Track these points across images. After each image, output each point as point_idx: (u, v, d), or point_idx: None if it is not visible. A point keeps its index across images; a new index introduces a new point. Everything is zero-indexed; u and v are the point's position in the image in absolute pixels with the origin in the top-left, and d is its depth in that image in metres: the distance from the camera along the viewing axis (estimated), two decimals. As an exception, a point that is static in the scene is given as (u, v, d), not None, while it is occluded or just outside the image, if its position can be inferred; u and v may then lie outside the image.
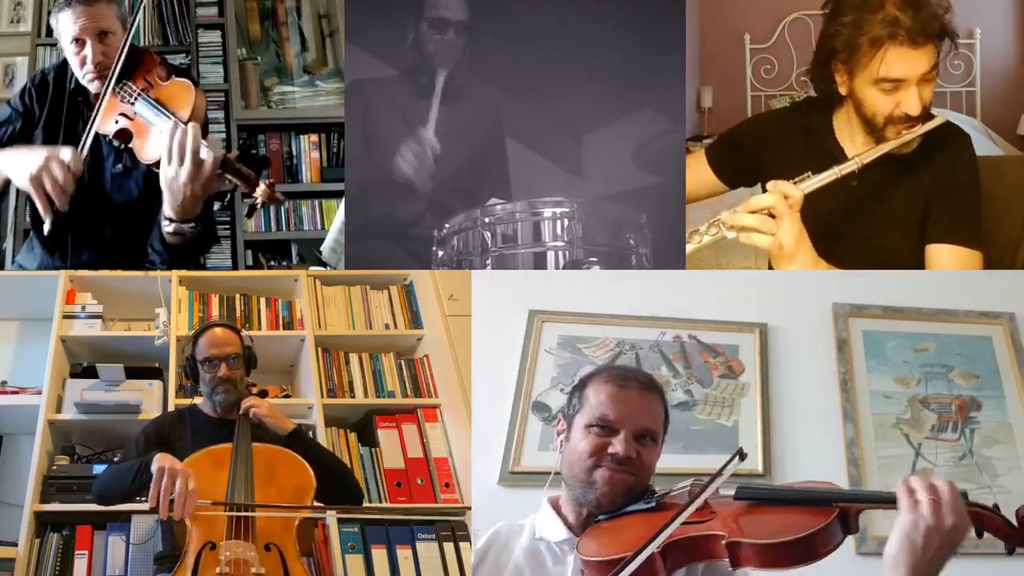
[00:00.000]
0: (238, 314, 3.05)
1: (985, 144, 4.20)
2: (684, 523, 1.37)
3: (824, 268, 2.02)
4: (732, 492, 1.44)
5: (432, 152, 2.44)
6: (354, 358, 3.01)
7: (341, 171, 4.11)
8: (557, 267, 2.04)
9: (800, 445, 2.53)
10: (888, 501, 1.31)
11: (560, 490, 1.59)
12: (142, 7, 4.04)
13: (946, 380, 2.67)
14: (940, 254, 2.12)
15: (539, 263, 2.05)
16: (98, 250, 2.45)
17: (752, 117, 3.95)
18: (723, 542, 1.33)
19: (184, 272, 3.01)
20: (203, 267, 3.06)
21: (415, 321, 3.12)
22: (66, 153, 2.17)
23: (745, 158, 2.33)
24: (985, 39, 5.00)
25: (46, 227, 2.19)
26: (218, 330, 2.34)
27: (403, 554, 2.59)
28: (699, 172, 2.40)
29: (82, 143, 2.25)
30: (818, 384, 2.63)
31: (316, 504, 2.14)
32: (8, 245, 3.82)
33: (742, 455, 1.41)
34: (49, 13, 3.35)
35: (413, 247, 2.50)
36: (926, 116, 2.04)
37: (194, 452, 2.12)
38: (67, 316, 2.93)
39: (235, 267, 4.14)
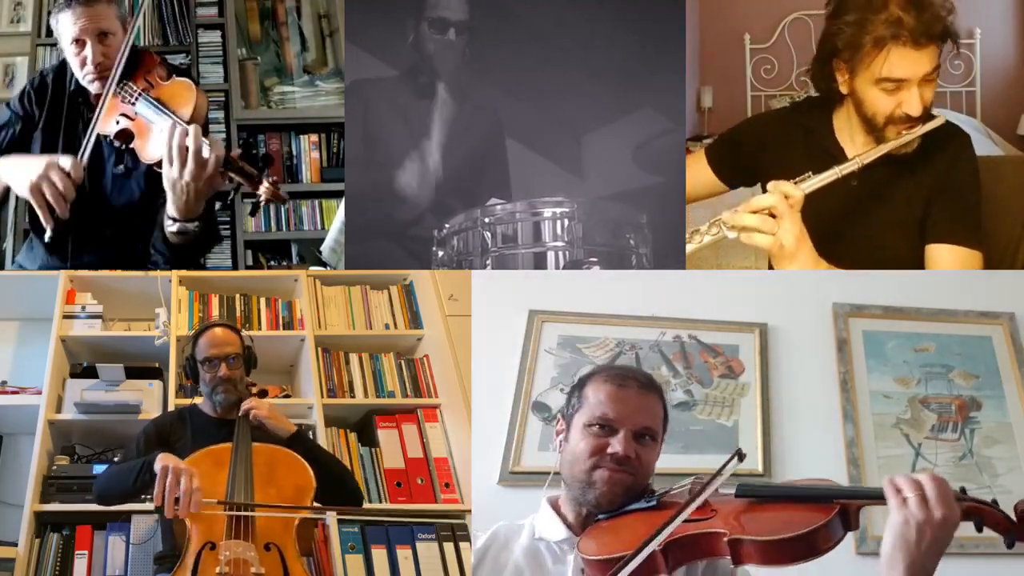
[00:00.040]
0: (238, 314, 3.06)
1: (985, 144, 4.20)
2: (685, 521, 1.37)
3: (824, 268, 2.02)
4: (732, 491, 1.45)
5: (435, 173, 2.45)
6: (354, 358, 3.01)
7: (341, 171, 4.11)
8: (557, 267, 2.04)
9: (800, 445, 2.54)
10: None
11: (559, 490, 1.59)
12: (143, 9, 4.04)
13: (946, 380, 2.67)
14: (940, 254, 2.12)
15: (539, 263, 2.05)
16: (98, 251, 2.45)
17: (752, 117, 3.95)
18: (725, 539, 1.34)
19: (184, 272, 3.01)
20: (203, 267, 3.06)
21: (415, 321, 3.12)
22: (66, 161, 2.18)
23: (745, 158, 2.33)
24: (985, 39, 5.00)
25: (47, 235, 2.20)
26: (218, 330, 2.34)
27: (403, 554, 2.60)
28: (699, 172, 2.40)
29: (84, 145, 2.25)
30: (818, 384, 2.63)
31: (316, 504, 2.14)
32: (8, 245, 3.82)
33: (741, 456, 1.41)
34: (49, 13, 3.35)
35: (413, 247, 2.50)
36: (926, 116, 2.04)
37: (194, 452, 2.12)
38: (67, 316, 2.93)
39: (235, 267, 4.14)
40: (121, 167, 2.38)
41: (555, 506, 1.59)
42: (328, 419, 2.81)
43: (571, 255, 2.03)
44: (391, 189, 2.49)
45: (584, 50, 2.81)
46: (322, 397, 2.85)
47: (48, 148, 2.38)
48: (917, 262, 2.16)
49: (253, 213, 2.20)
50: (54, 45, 3.90)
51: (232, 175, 2.08)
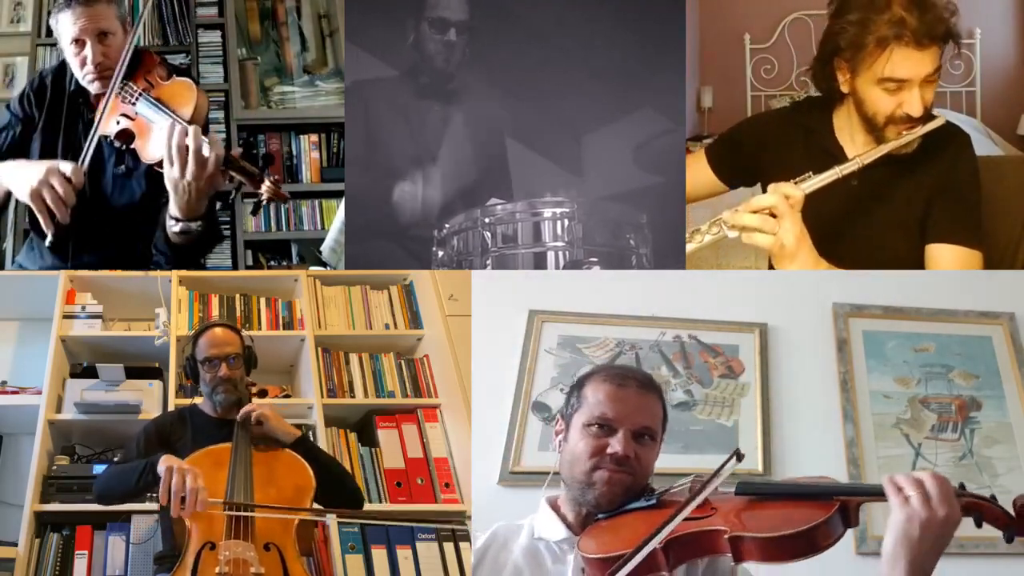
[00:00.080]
0: (238, 314, 3.06)
1: (985, 144, 4.20)
2: (685, 519, 1.37)
3: (825, 268, 2.02)
4: (732, 490, 1.45)
5: (429, 203, 2.44)
6: (354, 358, 3.01)
7: (341, 171, 4.11)
8: (557, 267, 2.04)
9: (800, 445, 2.54)
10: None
11: (558, 490, 1.59)
12: (145, 10, 4.04)
13: (946, 380, 2.67)
14: (940, 254, 2.12)
15: (539, 263, 2.05)
16: (99, 251, 2.46)
17: (752, 117, 3.94)
18: (725, 536, 1.34)
19: (184, 272, 3.01)
20: (203, 267, 3.06)
21: (415, 321, 3.12)
22: (67, 167, 2.19)
23: (745, 158, 2.33)
24: (985, 39, 5.00)
25: (48, 240, 2.21)
26: (218, 330, 2.34)
27: (403, 554, 2.60)
28: (699, 172, 2.40)
29: (86, 148, 2.25)
30: (818, 384, 2.63)
31: (316, 505, 2.14)
32: (8, 245, 3.82)
33: (739, 456, 1.41)
34: (49, 13, 3.35)
35: (413, 247, 2.50)
36: (927, 117, 2.04)
37: (194, 452, 2.12)
38: (67, 316, 2.94)
39: (235, 267, 4.13)
40: (122, 167, 2.38)
41: (554, 506, 1.59)
42: (328, 419, 2.81)
43: (571, 255, 2.03)
44: (391, 192, 2.48)
45: (584, 50, 2.81)
46: (322, 397, 2.85)
47: (48, 149, 2.38)
48: (917, 262, 2.16)
49: (255, 212, 2.20)
50: (54, 45, 3.90)
51: (233, 174, 2.08)
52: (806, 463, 2.50)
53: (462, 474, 2.74)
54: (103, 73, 2.31)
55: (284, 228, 4.33)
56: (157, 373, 2.88)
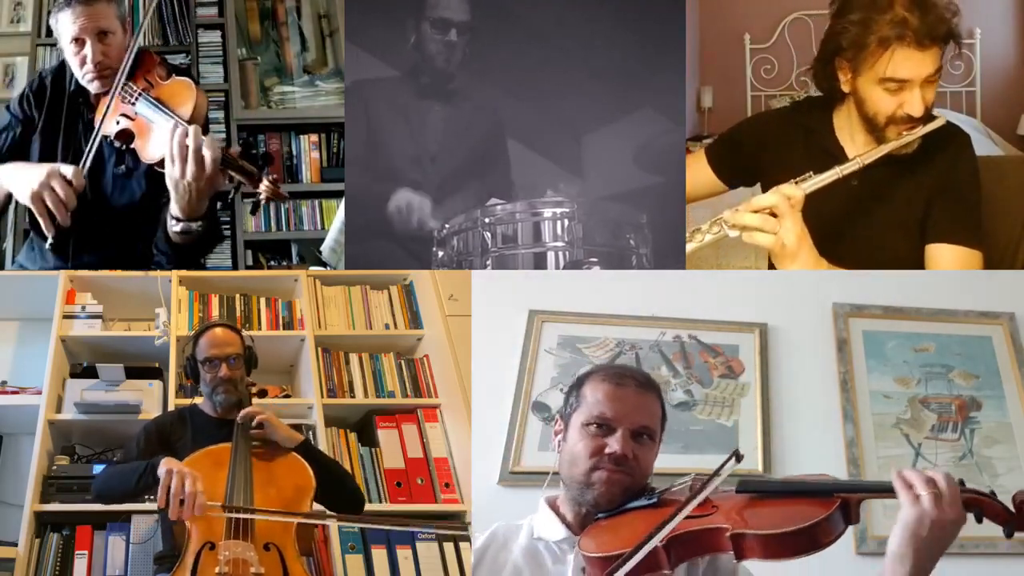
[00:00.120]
0: (238, 314, 3.06)
1: (985, 144, 4.20)
2: (687, 518, 1.38)
3: (825, 268, 2.02)
4: (733, 488, 1.45)
5: (435, 174, 2.44)
6: (354, 358, 3.01)
7: (341, 171, 4.11)
8: (557, 267, 2.04)
9: (800, 445, 2.53)
10: (888, 491, 1.33)
11: (558, 490, 1.59)
12: (149, 12, 4.05)
13: (946, 380, 2.67)
14: (940, 254, 2.13)
15: (539, 263, 2.05)
16: (99, 251, 2.46)
17: (752, 117, 3.94)
18: (727, 534, 1.35)
19: (184, 272, 3.01)
20: (203, 267, 3.06)
21: (415, 321, 3.12)
22: (68, 169, 2.20)
23: (745, 158, 2.33)
24: (985, 39, 5.00)
25: (48, 242, 2.22)
26: (219, 330, 2.33)
27: (403, 554, 2.60)
28: (699, 172, 2.40)
29: (88, 149, 2.25)
30: (818, 384, 2.63)
31: (315, 505, 2.14)
32: (8, 245, 3.82)
33: (738, 457, 1.41)
34: (49, 13, 3.35)
35: (413, 247, 2.50)
36: (927, 117, 2.04)
37: (194, 452, 2.12)
38: (67, 316, 2.93)
39: (235, 267, 4.13)
40: (122, 167, 2.38)
41: (553, 506, 1.59)
42: (328, 419, 2.81)
43: (571, 255, 2.03)
44: (390, 194, 2.48)
45: (584, 50, 2.81)
46: (322, 397, 2.85)
47: (48, 150, 2.39)
48: (918, 262, 2.16)
49: (254, 211, 2.20)
50: (54, 45, 3.89)
51: (233, 173, 2.08)
52: (806, 463, 2.49)
53: (462, 474, 2.74)
54: (103, 72, 2.31)
55: (284, 228, 4.33)
56: (157, 373, 2.88)
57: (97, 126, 2.26)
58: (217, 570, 1.86)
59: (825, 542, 1.33)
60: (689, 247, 2.03)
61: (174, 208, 2.12)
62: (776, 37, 5.21)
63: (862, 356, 2.68)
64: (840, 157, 2.09)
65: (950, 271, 2.16)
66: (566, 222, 2.04)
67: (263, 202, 2.13)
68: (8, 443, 2.91)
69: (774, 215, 1.94)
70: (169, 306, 2.96)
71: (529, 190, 2.62)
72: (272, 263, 4.33)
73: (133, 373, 2.84)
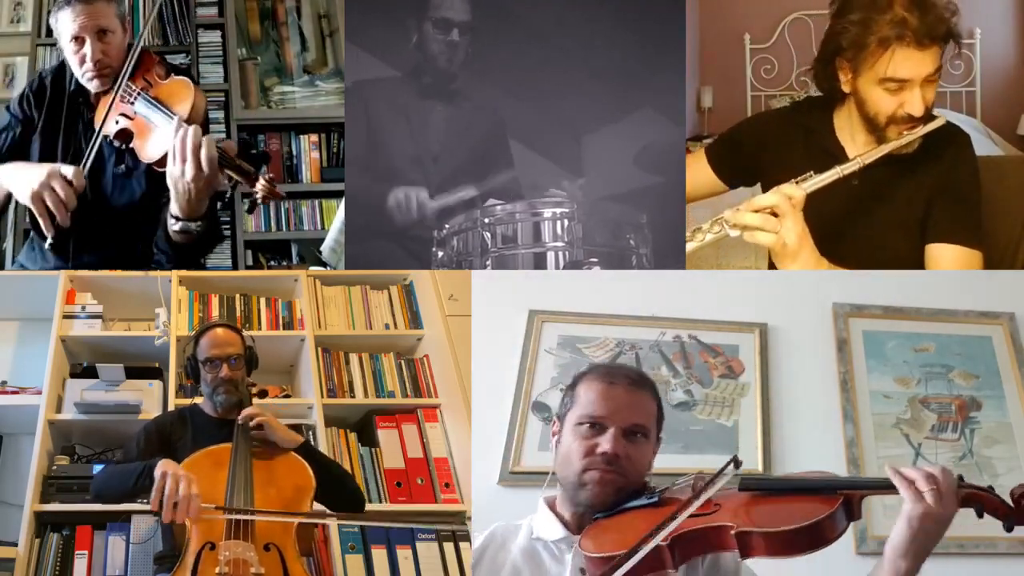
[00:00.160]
0: (238, 314, 3.05)
1: (985, 144, 4.20)
2: (690, 516, 1.38)
3: (826, 267, 2.02)
4: (734, 487, 1.45)
5: (419, 205, 2.44)
6: (354, 358, 3.01)
7: (341, 171, 4.11)
8: (557, 267, 2.04)
9: (800, 445, 2.54)
10: (890, 487, 1.34)
11: (556, 489, 1.59)
12: (153, 14, 4.05)
13: (946, 380, 2.67)
14: (940, 254, 2.13)
15: (539, 264, 2.05)
16: (99, 251, 2.46)
17: (752, 116, 3.94)
18: (732, 532, 1.35)
19: (184, 272, 3.01)
20: (203, 267, 3.06)
21: (415, 321, 3.12)
22: (68, 169, 2.20)
23: (745, 158, 2.34)
24: (985, 39, 5.00)
25: (47, 242, 2.21)
26: (220, 330, 2.33)
27: (403, 554, 2.59)
28: (699, 171, 2.40)
29: (89, 149, 2.25)
30: (818, 384, 2.63)
31: (316, 505, 2.14)
32: (8, 245, 3.82)
33: (737, 463, 1.42)
34: (49, 13, 3.35)
35: (413, 247, 2.50)
36: (928, 117, 2.04)
37: (194, 452, 2.12)
38: (67, 316, 2.93)
39: (235, 267, 4.14)
40: (122, 167, 2.39)
41: (552, 506, 1.59)
42: (328, 419, 2.81)
43: (571, 255, 2.03)
44: (390, 194, 2.48)
45: (584, 50, 2.81)
46: (322, 397, 2.85)
47: (47, 150, 2.39)
48: (918, 262, 2.16)
49: (251, 210, 2.20)
50: (54, 45, 3.90)
51: (230, 173, 2.08)
52: (806, 463, 2.49)
53: (462, 474, 2.74)
54: (102, 71, 2.31)
55: (284, 228, 4.33)
56: (157, 373, 2.88)
57: (98, 126, 2.27)
58: (217, 570, 1.85)
59: (830, 539, 1.34)
60: (690, 246, 2.03)
61: (174, 207, 2.12)
62: (776, 37, 5.21)
63: (862, 356, 2.68)
64: (840, 157, 2.09)
65: (950, 271, 2.16)
66: (566, 222, 2.04)
67: (260, 201, 2.13)
68: (8, 443, 2.91)
69: (775, 215, 1.94)
70: (169, 306, 2.96)
71: (530, 190, 2.62)
72: (272, 263, 4.33)
73: (133, 373, 2.84)
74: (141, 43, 2.29)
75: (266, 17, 4.42)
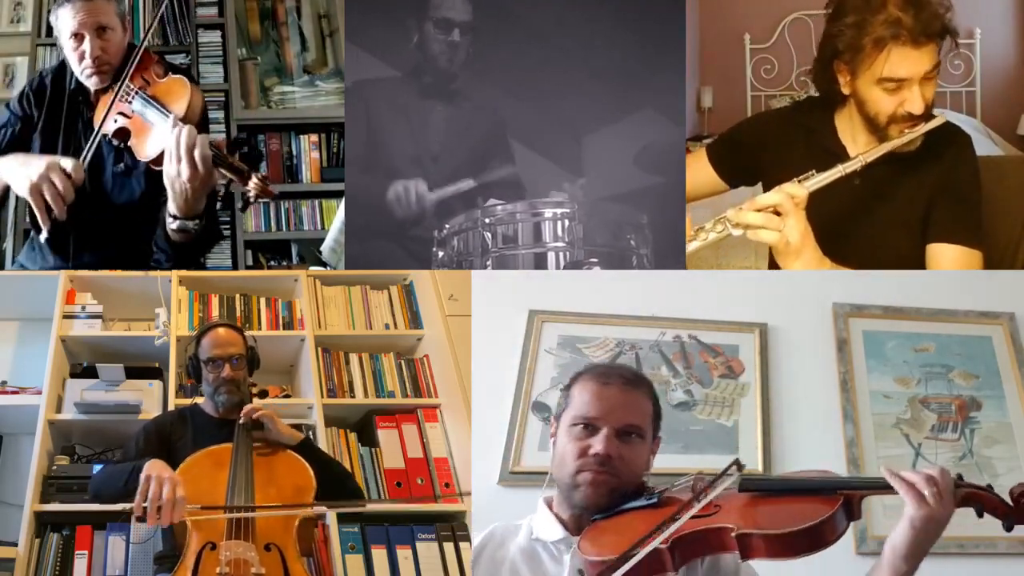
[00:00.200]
0: (238, 314, 3.05)
1: (985, 144, 4.20)
2: (691, 518, 1.38)
3: (829, 266, 2.02)
4: (734, 487, 1.45)
5: (418, 197, 2.44)
6: (354, 358, 3.01)
7: (341, 171, 4.11)
8: (558, 268, 2.04)
9: (800, 445, 2.53)
10: (890, 487, 1.34)
11: (555, 490, 1.58)
12: (157, 17, 4.06)
13: (946, 380, 2.67)
14: (941, 253, 2.13)
15: (540, 264, 2.05)
16: (99, 250, 2.46)
17: (753, 116, 3.95)
18: (733, 534, 1.34)
19: (184, 272, 3.01)
20: (203, 267, 3.06)
21: (415, 321, 3.12)
22: (67, 162, 2.19)
23: (746, 157, 2.34)
24: (985, 39, 5.00)
25: (43, 235, 2.20)
26: (222, 330, 2.33)
27: (403, 554, 2.60)
28: (700, 171, 2.40)
29: (87, 148, 2.25)
30: (818, 384, 2.63)
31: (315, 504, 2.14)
32: (8, 245, 3.82)
33: (740, 466, 1.41)
34: (49, 12, 3.35)
35: (413, 247, 2.50)
36: (928, 114, 2.05)
37: (195, 452, 2.12)
38: (67, 316, 2.93)
39: (235, 267, 4.14)
40: (121, 165, 2.39)
41: (551, 506, 1.58)
42: (328, 419, 2.81)
43: (572, 256, 2.03)
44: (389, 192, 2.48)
45: (584, 50, 2.81)
46: (322, 397, 2.85)
47: (47, 148, 2.39)
48: (919, 261, 2.16)
49: (244, 209, 2.19)
50: (54, 45, 3.90)
51: (223, 171, 2.08)
52: (806, 463, 2.48)
53: (462, 474, 2.74)
54: (101, 67, 2.32)
55: (284, 228, 4.33)
56: (157, 373, 2.88)
57: (97, 125, 2.27)
58: (218, 570, 1.86)
59: (830, 540, 1.33)
60: (693, 246, 2.03)
61: (171, 206, 2.12)
62: (776, 37, 5.21)
63: (862, 356, 2.68)
64: (842, 157, 2.09)
65: (950, 271, 2.16)
66: (566, 222, 2.03)
67: (252, 200, 2.12)
68: (8, 443, 2.91)
69: (778, 213, 1.94)
70: (169, 306, 2.96)
71: (530, 191, 2.62)
72: (272, 263, 4.33)
73: (133, 373, 2.84)
74: (144, 44, 2.29)
75: (266, 17, 4.42)
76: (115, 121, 2.26)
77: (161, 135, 2.12)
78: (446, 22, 2.51)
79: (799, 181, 1.97)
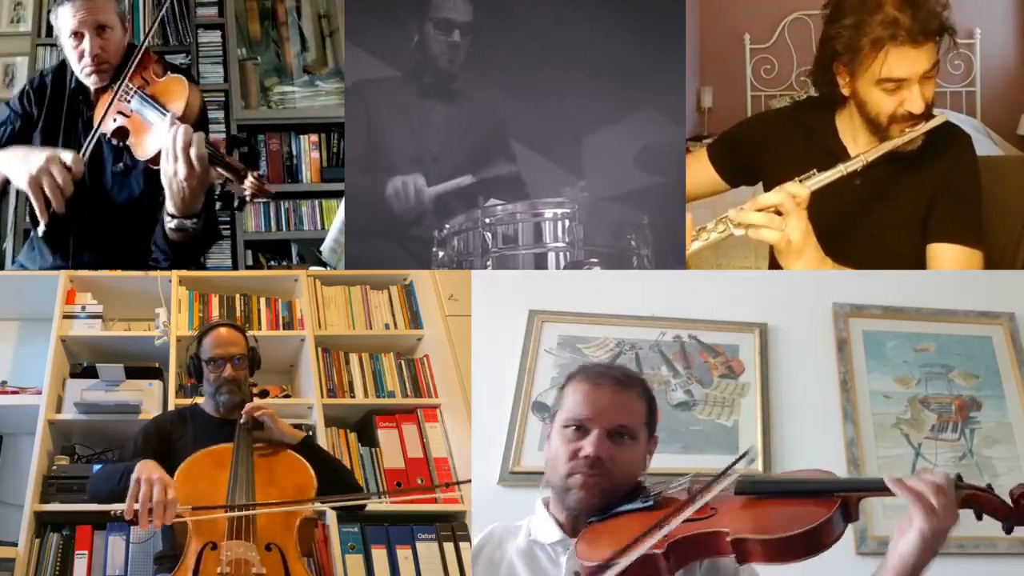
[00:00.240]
0: (238, 314, 3.05)
1: (985, 144, 4.20)
2: (686, 521, 1.36)
3: (830, 266, 2.02)
4: (729, 491, 1.43)
5: (417, 192, 2.43)
6: (354, 358, 3.01)
7: (341, 171, 4.11)
8: (558, 268, 2.04)
9: (800, 445, 2.53)
10: (887, 489, 1.33)
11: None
12: (158, 18, 4.06)
13: (946, 380, 2.67)
14: (941, 253, 2.13)
15: (540, 264, 2.04)
16: (99, 250, 2.46)
17: (754, 116, 3.95)
18: (728, 539, 1.33)
19: (184, 272, 3.01)
20: (203, 267, 3.06)
21: (415, 321, 3.12)
22: (67, 155, 2.18)
23: (747, 157, 2.34)
24: (985, 39, 5.00)
25: (40, 228, 2.19)
26: (223, 330, 2.33)
27: (403, 554, 2.60)
28: (701, 170, 2.40)
29: (86, 144, 2.25)
30: (818, 384, 2.63)
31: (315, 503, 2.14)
32: (8, 245, 3.82)
33: (751, 457, 1.39)
34: (49, 12, 3.35)
35: (413, 247, 2.50)
36: (929, 113, 2.05)
37: (195, 452, 2.12)
38: (67, 316, 2.93)
39: (235, 267, 4.14)
40: (120, 165, 2.39)
41: (548, 507, 1.58)
42: (328, 419, 2.81)
43: (572, 256, 2.03)
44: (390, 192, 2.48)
45: (584, 50, 2.81)
46: (322, 397, 2.85)
47: (48, 147, 2.38)
48: (920, 261, 2.17)
49: (240, 208, 2.18)
50: (54, 45, 3.90)
51: (219, 170, 2.08)
52: (806, 463, 2.45)
53: (462, 474, 2.73)
54: (100, 66, 2.32)
55: (284, 228, 4.33)
56: (157, 373, 2.88)
57: (96, 124, 2.26)
58: (219, 570, 1.86)
59: (827, 543, 1.31)
60: (695, 246, 2.03)
61: (169, 205, 2.12)
62: (776, 37, 5.21)
63: (862, 356, 2.68)
64: (843, 157, 2.09)
65: (950, 271, 2.16)
66: (567, 223, 2.03)
67: (248, 199, 2.12)
68: (8, 443, 2.91)
69: (779, 213, 1.94)
70: (169, 306, 2.96)
71: (530, 190, 2.62)
72: (272, 263, 4.33)
73: (133, 373, 2.84)
74: (146, 44, 2.29)
75: (266, 17, 4.42)
76: (114, 120, 2.26)
77: (159, 134, 2.13)
78: (447, 23, 2.51)
79: (800, 181, 1.97)
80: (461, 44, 2.52)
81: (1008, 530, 1.32)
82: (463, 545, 2.60)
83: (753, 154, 2.32)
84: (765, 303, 2.72)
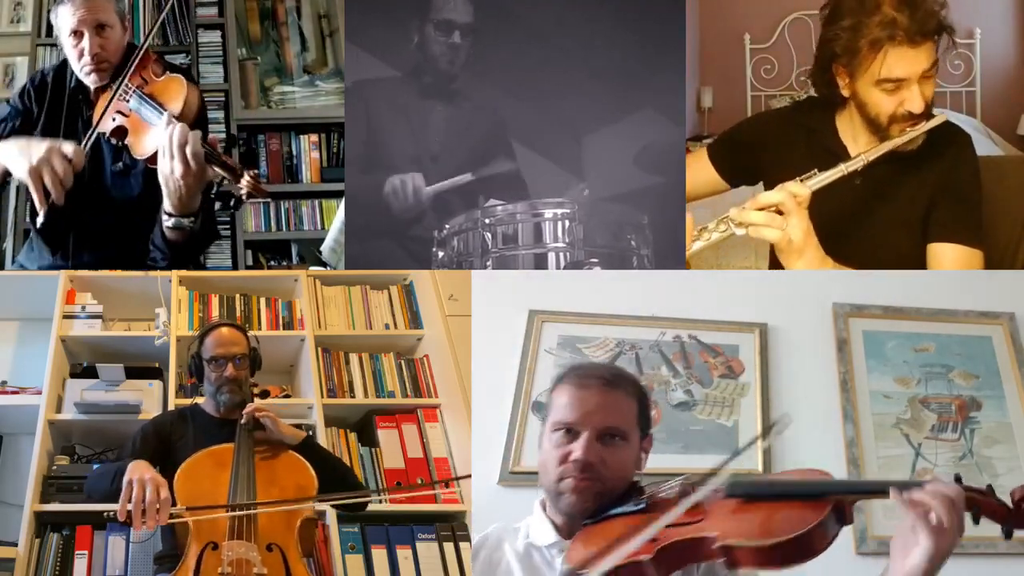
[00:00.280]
0: (238, 314, 3.05)
1: (985, 144, 4.20)
2: (675, 525, 1.31)
3: (831, 266, 2.02)
4: (722, 493, 1.39)
5: (415, 190, 2.43)
6: (354, 358, 3.01)
7: (341, 171, 4.11)
8: (558, 268, 2.04)
9: (800, 445, 2.53)
10: (882, 492, 1.29)
11: None
12: (160, 19, 4.05)
13: (946, 380, 2.67)
14: (941, 253, 2.13)
15: (540, 264, 2.04)
16: (99, 250, 2.45)
17: (754, 116, 3.95)
18: (716, 544, 1.29)
19: (184, 272, 3.01)
20: (203, 267, 3.05)
21: (415, 321, 3.12)
22: (68, 147, 2.17)
23: (747, 157, 2.34)
24: (985, 39, 5.00)
25: (39, 219, 2.19)
26: (225, 329, 2.33)
27: (403, 554, 2.59)
28: (701, 170, 2.40)
29: (85, 142, 2.25)
30: (818, 384, 2.63)
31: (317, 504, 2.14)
32: (8, 245, 3.82)
33: (784, 424, 1.33)
34: (49, 12, 3.35)
35: (413, 247, 2.50)
36: (929, 113, 2.05)
37: (195, 451, 2.12)
38: (67, 316, 2.93)
39: (235, 267, 4.14)
40: (120, 164, 2.39)
41: (545, 508, 1.57)
42: (328, 419, 2.80)
43: (572, 256, 2.03)
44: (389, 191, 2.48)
45: (584, 50, 2.81)
46: (322, 397, 2.85)
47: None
48: (920, 261, 2.17)
49: (237, 207, 2.17)
50: (54, 45, 3.90)
51: (215, 168, 2.08)
52: (806, 463, 2.45)
53: (462, 473, 2.73)
54: (99, 65, 2.32)
55: (284, 228, 4.33)
56: (157, 373, 2.88)
57: (96, 122, 2.26)
58: (220, 570, 1.86)
59: (819, 548, 1.27)
60: (697, 246, 2.02)
61: (166, 204, 2.12)
62: (776, 37, 5.21)
63: (862, 356, 2.68)
64: (843, 157, 2.09)
65: (950, 271, 2.17)
66: (567, 223, 2.03)
67: (244, 199, 2.12)
68: (8, 443, 2.90)
69: (780, 212, 1.94)
70: (169, 306, 2.96)
71: (530, 190, 2.62)
72: (272, 263, 4.33)
73: (133, 373, 2.84)
74: (147, 43, 2.29)
75: (266, 17, 4.42)
76: (113, 119, 2.26)
77: (157, 134, 2.12)
78: (447, 24, 2.51)
79: (801, 180, 1.97)
80: (461, 45, 2.52)
81: (1007, 535, 1.29)
82: (463, 545, 2.60)
83: (753, 154, 2.32)
84: (765, 303, 2.72)
